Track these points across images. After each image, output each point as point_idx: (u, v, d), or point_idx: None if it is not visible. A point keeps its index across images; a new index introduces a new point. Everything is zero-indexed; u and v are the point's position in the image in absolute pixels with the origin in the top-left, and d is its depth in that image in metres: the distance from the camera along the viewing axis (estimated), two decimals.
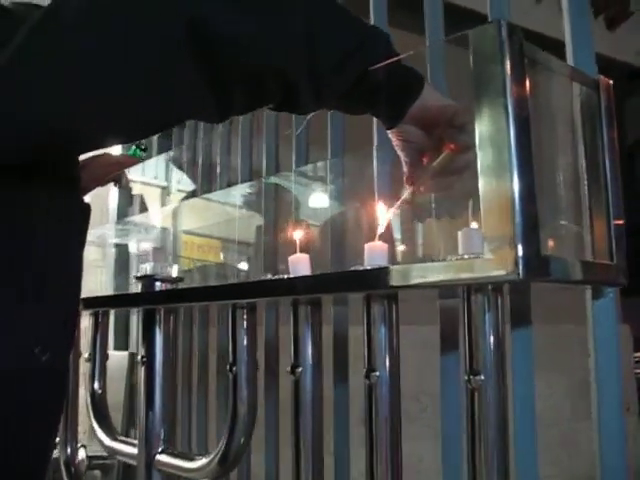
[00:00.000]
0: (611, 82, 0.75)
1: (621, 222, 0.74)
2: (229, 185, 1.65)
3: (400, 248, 1.04)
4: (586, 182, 0.74)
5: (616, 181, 0.73)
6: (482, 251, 0.67)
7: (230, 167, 1.67)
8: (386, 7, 1.17)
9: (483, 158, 0.60)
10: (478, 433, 0.70)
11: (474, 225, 0.72)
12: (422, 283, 0.66)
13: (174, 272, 1.19)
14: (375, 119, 1.17)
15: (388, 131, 0.77)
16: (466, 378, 0.71)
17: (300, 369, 0.89)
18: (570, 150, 0.76)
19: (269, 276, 1.31)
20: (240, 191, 1.49)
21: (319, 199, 1.34)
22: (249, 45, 0.63)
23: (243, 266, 1.52)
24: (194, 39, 0.60)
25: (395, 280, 0.71)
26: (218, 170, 1.65)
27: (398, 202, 0.78)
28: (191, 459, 1.09)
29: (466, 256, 0.65)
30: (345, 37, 0.68)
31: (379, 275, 0.74)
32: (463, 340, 0.72)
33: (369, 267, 0.77)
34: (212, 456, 1.03)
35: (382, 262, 0.80)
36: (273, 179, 1.40)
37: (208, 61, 0.62)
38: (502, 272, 0.58)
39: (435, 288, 0.71)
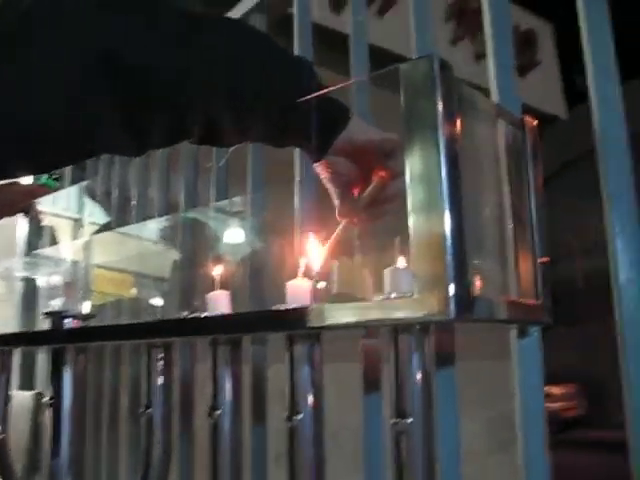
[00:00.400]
0: (535, 122, 0.76)
1: (546, 260, 0.74)
2: (145, 219, 1.60)
3: (321, 285, 1.02)
4: (511, 221, 0.73)
5: (540, 220, 0.74)
6: (411, 290, 0.67)
7: (146, 200, 1.62)
8: (311, 47, 1.17)
9: (414, 195, 0.58)
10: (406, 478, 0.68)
11: (401, 263, 0.70)
12: (350, 323, 0.64)
13: (86, 308, 1.13)
14: (297, 152, 1.16)
15: (315, 164, 0.75)
16: (393, 421, 0.68)
17: (219, 411, 0.85)
18: (495, 189, 0.76)
19: (185, 313, 1.28)
20: (156, 225, 1.45)
21: (238, 234, 1.31)
22: (166, 78, 0.60)
23: (158, 302, 1.47)
24: (108, 71, 0.58)
25: (318, 320, 0.69)
26: (133, 203, 1.61)
27: (332, 238, 0.76)
28: None
29: (393, 295, 0.63)
30: (268, 69, 0.66)
31: (301, 315, 0.71)
32: (389, 381, 0.70)
33: (291, 306, 0.74)
34: None
35: (305, 301, 0.77)
36: (191, 214, 1.37)
37: (123, 94, 0.59)
38: (432, 312, 0.56)
39: (363, 328, 0.68)
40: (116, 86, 0.59)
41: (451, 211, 0.56)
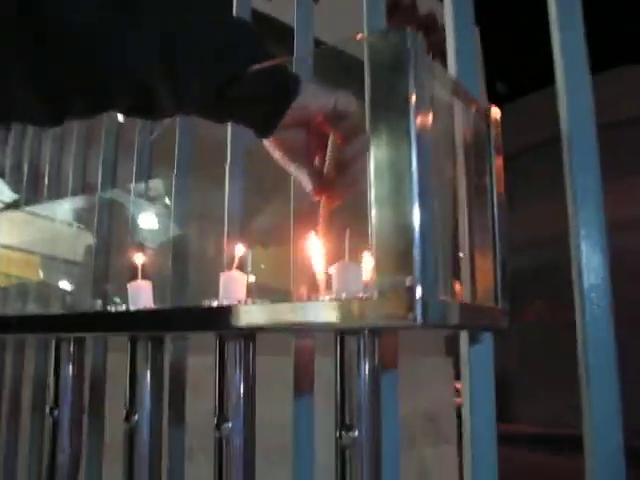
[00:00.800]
0: (499, 113, 0.70)
1: (505, 263, 0.69)
2: (57, 197, 1.48)
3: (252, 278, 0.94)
4: (470, 217, 0.68)
5: (501, 218, 0.68)
6: (360, 289, 0.60)
7: (60, 177, 1.50)
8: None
9: (378, 186, 0.51)
10: None
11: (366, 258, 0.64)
12: (298, 323, 0.57)
13: None
14: (230, 132, 1.07)
15: (265, 142, 0.67)
16: (337, 435, 0.62)
17: (136, 416, 0.76)
18: (454, 182, 0.70)
19: (99, 302, 1.18)
20: (70, 205, 1.33)
21: (158, 220, 1.21)
22: (93, 36, 0.52)
23: (67, 286, 1.36)
24: (22, 20, 0.48)
25: (256, 319, 0.62)
26: (46, 180, 1.48)
27: (319, 221, 0.67)
28: None
29: (344, 294, 0.56)
30: (208, 35, 0.58)
31: (233, 314, 0.64)
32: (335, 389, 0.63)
33: (227, 302, 0.67)
34: None
35: (240, 295, 0.70)
36: (110, 195, 1.26)
37: (37, 49, 0.50)
38: (396, 316, 0.50)
39: (317, 331, 0.61)
40: (30, 40, 0.49)
41: (421, 204, 0.50)
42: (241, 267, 0.73)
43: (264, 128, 0.64)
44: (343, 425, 0.61)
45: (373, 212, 0.51)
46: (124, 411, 0.77)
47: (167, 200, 1.16)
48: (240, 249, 0.73)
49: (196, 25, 0.57)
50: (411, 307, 0.49)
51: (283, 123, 0.63)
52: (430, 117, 0.53)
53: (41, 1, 0.49)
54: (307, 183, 0.66)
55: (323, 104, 0.63)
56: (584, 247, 0.66)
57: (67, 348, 0.85)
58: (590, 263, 0.66)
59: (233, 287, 0.70)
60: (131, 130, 1.25)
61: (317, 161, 0.66)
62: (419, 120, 0.51)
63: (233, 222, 1.02)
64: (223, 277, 0.72)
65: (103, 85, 0.55)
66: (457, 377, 3.62)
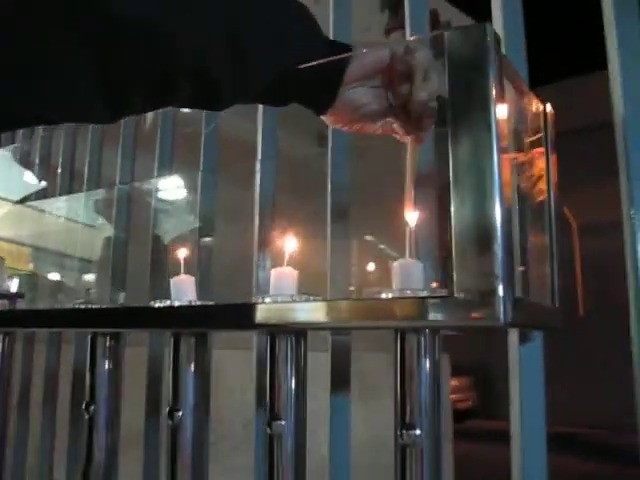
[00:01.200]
0: (553, 113, 0.70)
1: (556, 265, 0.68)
2: (69, 192, 1.47)
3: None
4: (532, 219, 0.68)
5: (557, 219, 0.68)
6: (421, 287, 0.60)
7: (75, 170, 1.48)
8: None
9: (458, 185, 0.51)
10: None
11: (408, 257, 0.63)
12: (382, 325, 0.56)
13: (14, 286, 1.01)
14: (260, 131, 1.07)
15: (325, 116, 0.66)
16: (398, 433, 0.61)
17: (181, 413, 0.75)
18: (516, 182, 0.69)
19: (122, 296, 1.16)
20: (88, 198, 1.32)
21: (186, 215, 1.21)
22: (157, 28, 0.51)
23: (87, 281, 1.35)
24: (86, 18, 0.47)
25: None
26: (59, 172, 1.46)
27: (408, 164, 0.65)
28: None
29: (408, 292, 0.56)
30: (270, 21, 0.58)
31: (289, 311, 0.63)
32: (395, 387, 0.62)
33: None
34: None
35: (291, 290, 0.69)
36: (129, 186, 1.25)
37: (101, 45, 0.49)
38: (480, 316, 0.49)
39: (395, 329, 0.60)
40: (94, 37, 0.48)
41: (501, 203, 0.50)
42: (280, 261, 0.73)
43: (323, 103, 0.64)
44: (404, 424, 0.61)
45: (453, 210, 0.51)
46: (167, 407, 0.76)
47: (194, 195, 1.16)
48: (291, 244, 0.72)
49: (258, 11, 0.57)
50: (494, 307, 0.48)
51: (345, 85, 0.63)
52: (507, 113, 0.53)
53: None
54: (397, 130, 0.66)
55: (379, 55, 0.63)
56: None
57: (103, 343, 0.84)
58: None
59: (285, 283, 0.70)
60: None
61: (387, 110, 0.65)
62: (499, 117, 0.50)
63: (266, 216, 1.02)
64: (274, 273, 0.71)
65: (167, 78, 0.54)
66: (453, 374, 3.63)
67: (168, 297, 0.76)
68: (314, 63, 0.60)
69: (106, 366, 0.84)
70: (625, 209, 0.70)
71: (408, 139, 0.65)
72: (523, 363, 0.72)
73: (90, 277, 1.31)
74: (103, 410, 0.84)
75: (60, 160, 1.49)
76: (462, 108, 0.51)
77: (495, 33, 0.52)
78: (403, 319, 0.54)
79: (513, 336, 0.73)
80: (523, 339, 0.72)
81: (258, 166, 1.04)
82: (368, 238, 0.95)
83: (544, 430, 0.72)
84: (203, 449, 0.77)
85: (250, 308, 0.67)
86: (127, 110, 0.56)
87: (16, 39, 0.47)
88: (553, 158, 0.69)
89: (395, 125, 0.65)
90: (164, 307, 0.73)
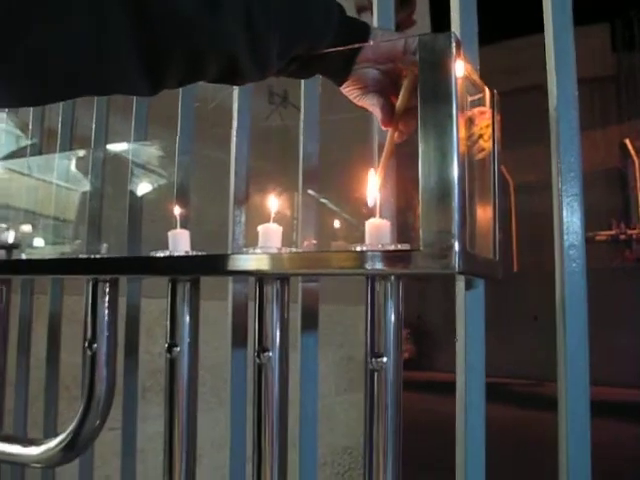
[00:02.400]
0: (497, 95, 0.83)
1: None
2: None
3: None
4: (476, 180, 0.81)
5: (499, 181, 0.82)
6: (388, 243, 0.73)
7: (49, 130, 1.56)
8: None
9: (425, 155, 0.64)
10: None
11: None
12: (364, 271, 0.69)
13: (10, 238, 1.10)
14: (235, 97, 1.17)
15: (342, 87, 0.77)
16: (369, 360, 0.75)
17: (178, 349, 0.88)
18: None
19: (104, 246, 1.27)
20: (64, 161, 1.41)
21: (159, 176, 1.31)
22: (189, 19, 0.61)
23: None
24: (130, 5, 0.58)
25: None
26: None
27: (385, 150, 0.78)
28: (31, 443, 1.02)
29: (392, 247, 0.69)
30: (290, 15, 0.67)
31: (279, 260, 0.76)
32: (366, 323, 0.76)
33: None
34: (60, 440, 0.97)
35: (276, 243, 0.82)
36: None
37: (145, 34, 0.59)
38: (439, 266, 0.63)
39: (363, 275, 0.73)
40: (137, 22, 0.59)
41: (460, 172, 0.63)
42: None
43: (340, 76, 0.76)
44: (373, 353, 0.75)
45: (420, 178, 0.64)
46: (165, 345, 0.88)
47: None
48: (274, 202, 0.84)
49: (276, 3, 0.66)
50: (451, 259, 0.62)
51: (357, 64, 0.74)
52: (465, 102, 0.66)
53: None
54: (378, 114, 0.78)
55: (392, 45, 0.73)
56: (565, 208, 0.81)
57: (103, 288, 0.96)
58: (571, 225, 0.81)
59: (271, 237, 0.82)
60: None
61: (388, 95, 0.77)
62: (458, 109, 0.63)
63: (241, 178, 1.13)
64: (262, 229, 0.83)
65: (197, 59, 0.64)
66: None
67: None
68: (333, 50, 0.71)
69: (106, 309, 0.96)
70: (554, 174, 0.84)
71: (386, 126, 0.78)
72: (467, 307, 0.86)
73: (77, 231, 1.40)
74: (103, 349, 0.96)
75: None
76: (429, 99, 0.64)
77: (457, 39, 0.64)
78: (378, 268, 0.67)
79: (460, 283, 0.87)
80: (468, 286, 0.86)
81: (234, 133, 1.16)
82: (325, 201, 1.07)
83: (483, 372, 0.87)
84: (195, 381, 0.89)
85: (242, 258, 0.79)
86: (164, 85, 0.67)
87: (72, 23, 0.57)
88: (498, 135, 0.82)
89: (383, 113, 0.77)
90: (165, 257, 0.85)
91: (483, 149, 0.81)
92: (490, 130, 0.81)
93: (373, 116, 0.84)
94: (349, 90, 0.78)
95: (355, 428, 3.75)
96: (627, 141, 10.36)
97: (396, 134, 0.77)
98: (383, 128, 0.78)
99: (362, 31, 0.74)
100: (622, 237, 10.12)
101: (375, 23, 1.04)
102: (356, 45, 0.73)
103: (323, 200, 1.08)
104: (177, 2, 0.60)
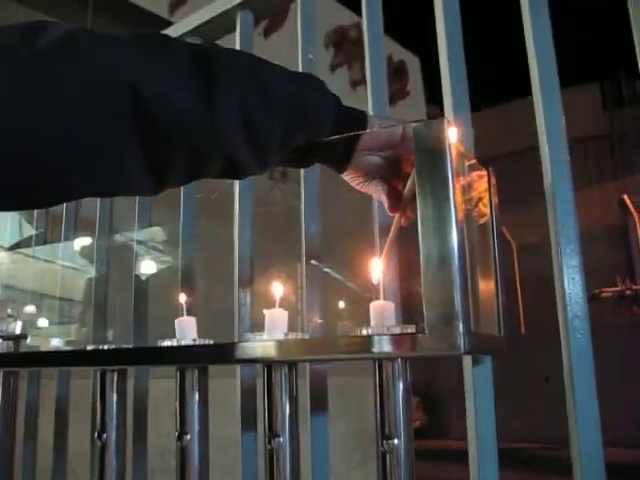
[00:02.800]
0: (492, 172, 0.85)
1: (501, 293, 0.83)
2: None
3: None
4: (478, 259, 0.82)
5: (501, 257, 0.83)
6: (393, 324, 0.74)
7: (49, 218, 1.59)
8: None
9: (426, 243, 0.65)
10: None
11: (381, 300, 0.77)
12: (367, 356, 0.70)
13: (17, 328, 1.11)
14: (236, 184, 1.20)
15: (344, 174, 0.79)
16: (380, 442, 0.75)
17: (188, 436, 0.87)
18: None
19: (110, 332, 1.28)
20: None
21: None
22: (186, 120, 0.63)
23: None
24: (135, 112, 0.60)
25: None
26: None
27: (391, 234, 0.80)
28: None
29: (397, 330, 0.70)
30: (283, 100, 0.68)
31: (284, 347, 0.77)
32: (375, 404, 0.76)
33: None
34: None
35: (283, 329, 0.82)
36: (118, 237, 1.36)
37: (146, 135, 0.61)
38: (444, 348, 0.63)
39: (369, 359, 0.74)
40: (140, 127, 0.61)
41: (460, 255, 0.64)
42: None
43: (341, 165, 0.77)
44: (383, 435, 0.75)
45: (422, 261, 0.65)
46: (176, 433, 0.88)
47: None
48: (279, 289, 0.85)
49: (269, 93, 0.67)
50: (455, 340, 0.63)
51: (357, 152, 0.75)
52: (463, 187, 0.68)
53: (148, 99, 0.61)
54: (384, 200, 0.79)
55: (391, 133, 0.75)
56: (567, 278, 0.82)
57: (111, 378, 0.96)
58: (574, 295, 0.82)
59: (278, 323, 0.83)
60: None
61: (392, 180, 0.79)
62: (456, 192, 0.65)
63: (245, 261, 1.15)
64: (268, 314, 0.84)
65: (198, 157, 0.66)
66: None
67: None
68: (331, 139, 0.73)
69: (114, 399, 0.96)
70: (552, 233, 0.85)
71: (393, 212, 0.79)
72: (475, 383, 0.86)
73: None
74: (113, 438, 0.96)
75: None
76: (427, 184, 0.66)
77: (450, 122, 0.67)
78: (385, 351, 0.68)
79: (467, 361, 0.88)
80: (475, 363, 0.87)
81: (236, 216, 1.18)
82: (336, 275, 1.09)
83: (495, 445, 0.86)
84: (207, 467, 0.89)
85: (250, 346, 0.80)
86: (167, 185, 0.69)
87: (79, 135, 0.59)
88: (496, 210, 0.84)
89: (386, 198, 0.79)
90: (173, 347, 0.85)
91: (482, 216, 0.82)
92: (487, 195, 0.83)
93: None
94: (351, 178, 0.80)
95: None
96: (625, 197, 10.42)
97: (403, 219, 0.78)
98: (390, 214, 0.80)
99: (359, 120, 0.76)
100: (628, 292, 10.08)
101: (369, 95, 1.07)
102: (353, 134, 0.74)
103: (328, 273, 1.09)
104: (175, 101, 0.62)
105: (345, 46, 3.50)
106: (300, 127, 0.70)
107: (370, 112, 1.05)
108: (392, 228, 0.79)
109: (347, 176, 0.80)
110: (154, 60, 0.63)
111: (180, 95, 0.62)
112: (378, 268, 0.78)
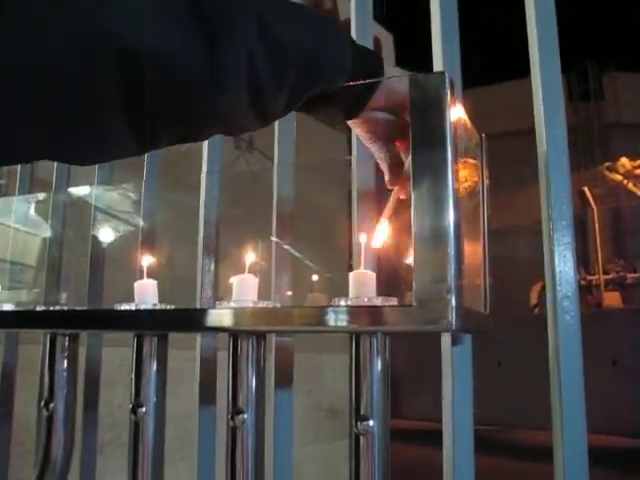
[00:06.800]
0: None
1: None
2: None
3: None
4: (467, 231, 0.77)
5: (488, 232, 0.78)
6: (374, 295, 0.68)
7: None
8: None
9: (419, 201, 0.59)
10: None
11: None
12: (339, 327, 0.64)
13: None
14: (207, 144, 1.13)
15: (351, 122, 0.70)
16: (354, 423, 0.69)
17: (143, 409, 0.81)
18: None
19: (64, 295, 1.20)
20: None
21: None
22: (185, 82, 0.54)
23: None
24: (122, 67, 0.51)
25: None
26: None
27: (386, 208, 0.73)
28: None
29: (379, 301, 0.64)
30: (298, 64, 0.58)
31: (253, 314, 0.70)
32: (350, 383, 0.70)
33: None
34: None
35: (253, 296, 0.76)
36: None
37: (131, 79, 0.53)
38: (434, 323, 0.58)
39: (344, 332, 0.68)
40: (124, 72, 0.52)
41: (455, 223, 0.58)
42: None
43: (352, 111, 0.68)
44: (358, 415, 0.69)
45: (414, 228, 0.59)
46: (130, 405, 0.81)
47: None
48: (250, 255, 0.79)
49: (279, 48, 0.57)
50: (447, 316, 0.57)
51: (369, 104, 0.66)
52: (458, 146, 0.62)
53: (139, 53, 0.52)
54: (386, 172, 0.72)
55: (399, 85, 0.64)
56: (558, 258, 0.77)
57: (62, 343, 0.89)
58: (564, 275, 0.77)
59: (247, 290, 0.77)
60: None
61: (398, 147, 0.71)
62: (453, 151, 0.59)
63: (211, 225, 1.08)
64: (236, 280, 0.78)
65: (191, 122, 0.58)
66: None
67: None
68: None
69: (64, 365, 0.89)
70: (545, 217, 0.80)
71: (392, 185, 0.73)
72: (455, 364, 0.81)
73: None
74: (61, 409, 0.88)
75: None
76: (423, 138, 0.60)
77: (451, 80, 0.60)
78: (366, 324, 0.62)
79: (446, 339, 0.82)
80: (455, 342, 0.81)
81: (204, 178, 1.11)
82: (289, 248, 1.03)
83: (472, 430, 0.81)
84: (162, 443, 0.83)
85: (217, 313, 0.73)
86: (155, 145, 0.60)
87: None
88: (487, 182, 0.78)
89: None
90: (131, 311, 0.78)
91: (471, 194, 0.77)
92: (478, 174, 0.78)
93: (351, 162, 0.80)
94: (358, 130, 0.72)
95: None
96: (586, 189, 10.54)
97: (402, 192, 0.72)
98: (389, 187, 0.73)
99: (377, 70, 0.67)
100: (582, 283, 10.22)
101: None
102: (368, 82, 0.66)
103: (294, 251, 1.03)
104: (170, 56, 0.53)
105: None
106: (312, 85, 0.61)
107: None
108: (390, 200, 0.73)
109: (354, 127, 0.72)
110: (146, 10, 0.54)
111: (177, 50, 0.53)
112: (362, 237, 0.72)
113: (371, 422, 0.68)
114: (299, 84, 0.59)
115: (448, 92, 0.59)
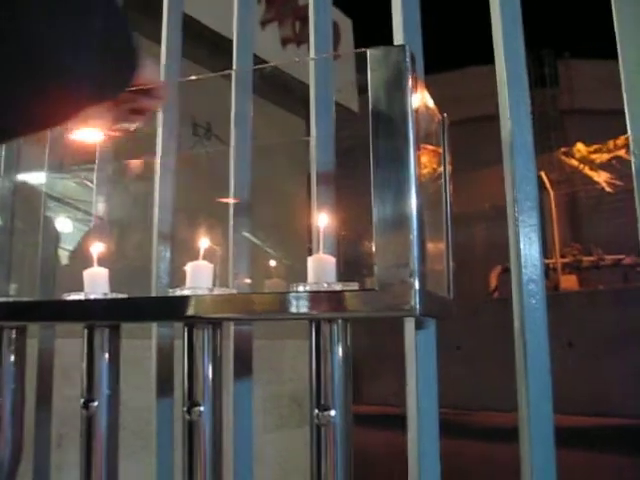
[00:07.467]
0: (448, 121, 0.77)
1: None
2: None
3: None
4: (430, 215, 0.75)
5: (452, 216, 0.75)
6: (334, 280, 0.66)
7: None
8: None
9: (380, 180, 0.57)
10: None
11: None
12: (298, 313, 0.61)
13: None
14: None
15: None
16: (315, 414, 0.67)
17: (95, 404, 0.77)
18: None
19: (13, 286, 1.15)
20: None
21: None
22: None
23: None
24: None
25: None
26: None
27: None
28: None
29: (339, 286, 0.61)
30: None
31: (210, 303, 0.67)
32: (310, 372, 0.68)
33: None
34: None
35: (208, 283, 0.73)
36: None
37: None
38: (396, 307, 0.55)
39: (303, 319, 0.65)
40: None
41: (417, 203, 0.56)
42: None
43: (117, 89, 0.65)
44: (319, 405, 0.66)
45: (374, 209, 0.57)
46: (81, 398, 0.78)
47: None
48: (206, 242, 0.76)
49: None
50: (410, 298, 0.55)
51: None
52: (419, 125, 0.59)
53: None
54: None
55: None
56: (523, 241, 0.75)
57: (9, 336, 0.84)
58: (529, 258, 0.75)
59: (202, 276, 0.73)
60: None
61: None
62: (413, 127, 0.57)
63: (166, 210, 1.04)
64: (190, 266, 0.74)
65: None
66: None
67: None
68: None
69: (11, 359, 0.84)
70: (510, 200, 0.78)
71: None
72: (418, 349, 0.79)
73: None
74: (8, 406, 0.84)
75: None
76: (383, 117, 0.57)
77: (412, 54, 0.58)
78: (326, 310, 0.59)
79: (410, 323, 0.80)
80: (419, 326, 0.79)
81: (158, 161, 1.06)
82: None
83: (437, 416, 0.79)
84: (116, 437, 0.79)
85: (170, 301, 0.70)
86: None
87: None
88: (449, 165, 0.76)
89: None
90: (80, 300, 0.75)
91: (433, 177, 0.75)
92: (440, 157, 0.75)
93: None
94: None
95: (287, 468, 3.63)
96: (542, 173, 10.65)
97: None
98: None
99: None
100: None
101: (312, 54, 0.97)
102: None
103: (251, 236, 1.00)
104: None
105: (277, 1, 3.35)
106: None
107: (313, 72, 0.94)
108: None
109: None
110: None
111: None
112: (321, 219, 0.69)
113: (332, 412, 0.66)
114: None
115: (409, 66, 0.57)
